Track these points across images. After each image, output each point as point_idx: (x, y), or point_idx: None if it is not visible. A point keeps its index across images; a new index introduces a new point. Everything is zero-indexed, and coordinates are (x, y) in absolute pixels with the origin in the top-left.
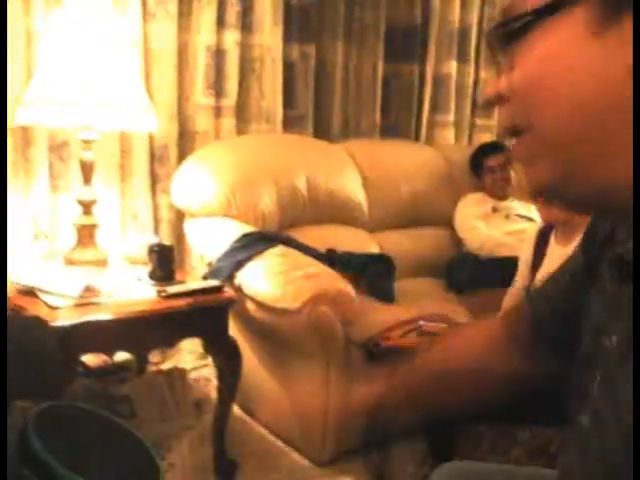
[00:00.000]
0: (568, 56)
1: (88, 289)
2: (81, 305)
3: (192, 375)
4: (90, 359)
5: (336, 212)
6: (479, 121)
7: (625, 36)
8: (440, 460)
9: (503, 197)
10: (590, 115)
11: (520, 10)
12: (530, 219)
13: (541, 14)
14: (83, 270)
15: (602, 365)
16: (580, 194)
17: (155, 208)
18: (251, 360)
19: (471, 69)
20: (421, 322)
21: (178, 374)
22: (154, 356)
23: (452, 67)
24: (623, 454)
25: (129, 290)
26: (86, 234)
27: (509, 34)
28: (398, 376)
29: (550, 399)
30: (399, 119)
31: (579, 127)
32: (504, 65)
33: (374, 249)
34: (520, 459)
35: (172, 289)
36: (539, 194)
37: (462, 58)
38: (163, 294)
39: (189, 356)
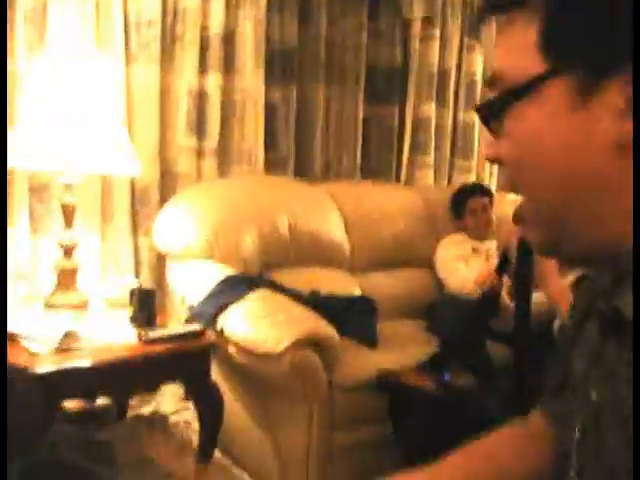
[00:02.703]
0: (549, 132)
1: (68, 335)
2: (62, 351)
3: (173, 418)
4: (71, 404)
5: (318, 253)
6: (458, 162)
7: (609, 103)
8: None
9: (484, 238)
10: (573, 186)
11: (500, 87)
12: None
13: (519, 94)
14: (64, 314)
15: (583, 418)
16: (572, 252)
17: (136, 250)
18: (234, 404)
19: (450, 111)
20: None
21: (159, 419)
22: (135, 399)
23: (431, 109)
24: None
25: (110, 334)
26: (66, 277)
27: (495, 109)
28: None
29: None
30: (379, 160)
31: (563, 197)
32: (496, 132)
33: (356, 291)
34: None
35: (153, 334)
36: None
37: (441, 100)
38: (144, 339)
39: (170, 399)
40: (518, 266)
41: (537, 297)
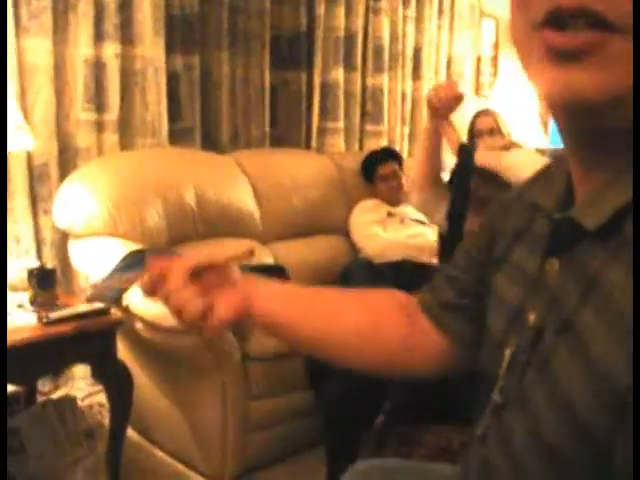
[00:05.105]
0: None
1: None
2: None
3: (86, 402)
4: None
5: (228, 224)
6: (369, 127)
7: None
8: (342, 465)
9: (396, 203)
10: None
11: None
12: (423, 223)
13: None
14: None
15: (515, 343)
16: (627, 119)
17: (37, 230)
18: (146, 383)
19: (358, 75)
20: None
21: (68, 402)
22: (45, 385)
23: (339, 74)
24: (559, 429)
25: (9, 318)
26: None
27: None
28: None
29: (453, 394)
30: (289, 127)
31: None
32: None
33: (269, 260)
34: (423, 460)
35: (54, 314)
36: (565, 107)
37: (349, 65)
38: (45, 320)
39: (82, 382)
40: (458, 167)
41: None
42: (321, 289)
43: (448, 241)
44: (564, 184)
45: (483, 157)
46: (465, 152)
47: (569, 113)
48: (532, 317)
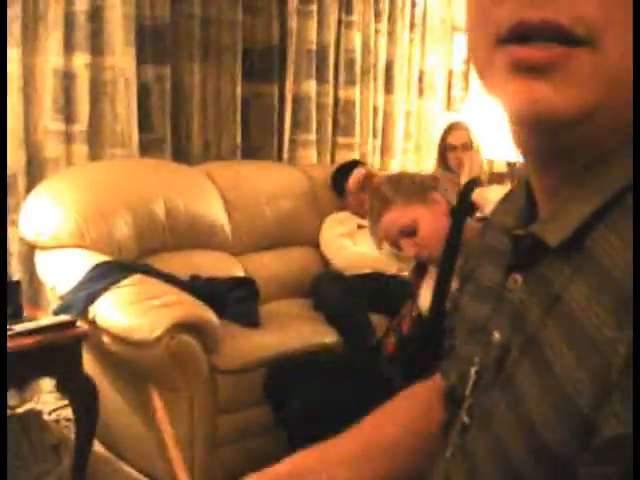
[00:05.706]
0: None
1: None
2: None
3: (52, 416)
4: None
5: (198, 237)
6: (341, 139)
7: None
8: None
9: (367, 215)
10: None
11: None
12: None
13: None
14: None
15: (479, 362)
16: (594, 133)
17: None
18: (112, 396)
19: (330, 88)
20: None
21: (33, 417)
22: (11, 398)
23: (311, 86)
24: (522, 450)
25: None
26: None
27: None
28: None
29: None
30: (261, 140)
31: None
32: None
33: (239, 272)
34: None
35: (19, 327)
36: (541, 122)
37: (321, 77)
38: (9, 333)
39: (48, 396)
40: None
41: None
42: (355, 436)
43: (441, 282)
44: (525, 199)
45: (479, 194)
46: (466, 192)
47: (534, 129)
48: (496, 334)
